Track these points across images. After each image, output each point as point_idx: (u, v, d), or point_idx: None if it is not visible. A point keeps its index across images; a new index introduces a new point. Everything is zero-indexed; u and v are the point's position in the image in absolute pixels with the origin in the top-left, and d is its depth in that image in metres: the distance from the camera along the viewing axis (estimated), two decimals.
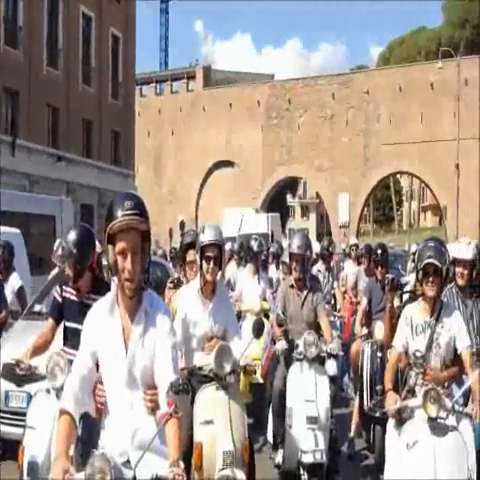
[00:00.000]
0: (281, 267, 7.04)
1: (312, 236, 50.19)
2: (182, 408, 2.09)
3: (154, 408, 2.27)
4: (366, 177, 38.50)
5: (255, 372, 3.62)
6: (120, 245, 2.23)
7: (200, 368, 3.33)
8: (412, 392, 3.42)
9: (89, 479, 1.92)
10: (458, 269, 4.45)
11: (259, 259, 7.05)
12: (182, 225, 31.28)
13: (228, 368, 3.21)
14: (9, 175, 19.01)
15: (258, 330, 3.56)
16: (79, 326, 3.19)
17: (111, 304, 2.34)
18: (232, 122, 41.74)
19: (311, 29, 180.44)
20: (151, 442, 2.05)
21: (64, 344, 3.44)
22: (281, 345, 4.36)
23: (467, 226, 34.15)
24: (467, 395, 3.60)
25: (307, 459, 3.88)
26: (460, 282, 4.45)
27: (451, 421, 3.13)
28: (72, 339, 3.29)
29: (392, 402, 3.25)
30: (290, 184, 48.47)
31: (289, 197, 56.26)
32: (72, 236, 3.42)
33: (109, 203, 2.32)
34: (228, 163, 42.19)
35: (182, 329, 3.51)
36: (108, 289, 3.05)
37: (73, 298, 3.44)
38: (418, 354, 3.39)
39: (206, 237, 3.55)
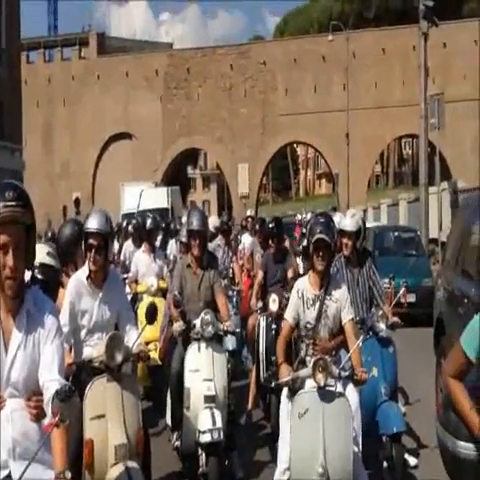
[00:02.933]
0: (178, 245, 7.01)
1: (213, 208, 50.55)
2: (70, 412, 2.00)
3: (39, 415, 2.17)
4: (264, 147, 39.17)
5: (149, 358, 3.58)
6: (1, 239, 2.08)
7: (90, 361, 3.23)
8: (303, 362, 3.60)
9: None
10: (343, 240, 4.68)
11: (154, 237, 6.95)
12: (77, 202, 30.11)
13: (120, 358, 3.13)
14: None
15: (151, 316, 3.44)
16: None
17: None
18: (129, 92, 40.47)
19: None
20: (35, 454, 1.97)
21: None
22: (178, 326, 4.35)
23: (357, 192, 36.09)
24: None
25: (205, 439, 3.92)
26: (345, 252, 4.71)
27: (338, 387, 3.33)
28: None
29: (285, 373, 3.41)
30: (191, 156, 48.12)
31: (190, 169, 55.94)
32: None
33: None
34: (126, 135, 41.00)
35: (70, 320, 3.38)
36: None
37: None
38: (309, 326, 3.60)
39: (90, 225, 3.44)
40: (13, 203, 2.08)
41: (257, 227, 8.63)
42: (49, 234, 12.26)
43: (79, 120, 41.21)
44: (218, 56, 39.70)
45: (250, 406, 5.58)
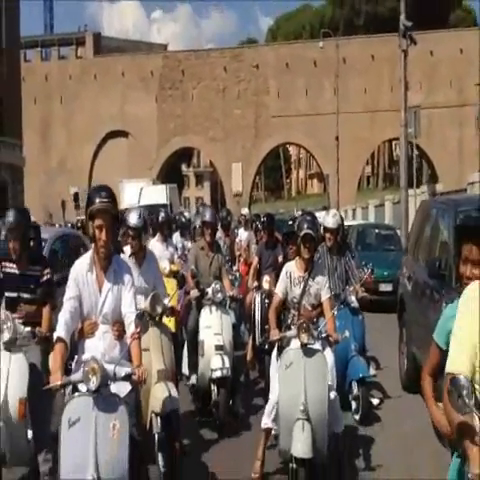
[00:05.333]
0: (192, 232, 8.24)
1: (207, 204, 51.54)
2: (144, 330, 3.18)
3: (120, 335, 3.37)
4: (257, 147, 40.37)
5: (179, 313, 4.81)
6: (97, 222, 3.25)
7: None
8: (289, 328, 4.53)
9: (85, 376, 2.97)
10: (326, 235, 6.00)
11: (165, 228, 8.14)
12: (76, 197, 31.05)
13: (160, 310, 4.37)
14: None
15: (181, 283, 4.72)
16: (16, 294, 4.12)
17: (90, 263, 3.36)
18: (125, 91, 41.47)
19: None
20: (124, 354, 3.18)
21: (6, 309, 4.24)
22: (194, 293, 5.59)
23: (347, 192, 37.41)
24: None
25: (216, 374, 5.11)
26: (328, 244, 6.01)
27: (317, 346, 4.09)
28: (11, 305, 4.16)
29: (275, 334, 4.26)
30: (185, 154, 49.21)
31: (184, 166, 56.99)
32: (16, 217, 4.17)
33: (89, 192, 3.37)
34: (122, 133, 41.99)
35: None
36: (44, 260, 4.15)
37: (14, 271, 4.19)
38: (295, 300, 4.47)
39: (130, 221, 4.76)
40: (105, 199, 3.25)
41: (252, 222, 9.89)
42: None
43: (76, 117, 42.13)
44: (212, 59, 40.82)
45: (248, 364, 6.76)
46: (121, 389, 3.19)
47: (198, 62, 40.88)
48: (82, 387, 3.06)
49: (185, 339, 6.08)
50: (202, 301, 5.54)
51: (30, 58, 44.05)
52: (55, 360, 3.18)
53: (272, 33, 60.72)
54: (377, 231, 14.01)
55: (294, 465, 3.87)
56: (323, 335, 4.23)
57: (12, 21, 27.87)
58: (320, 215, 7.79)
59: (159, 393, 4.14)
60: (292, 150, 70.02)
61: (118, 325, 3.36)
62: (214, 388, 5.17)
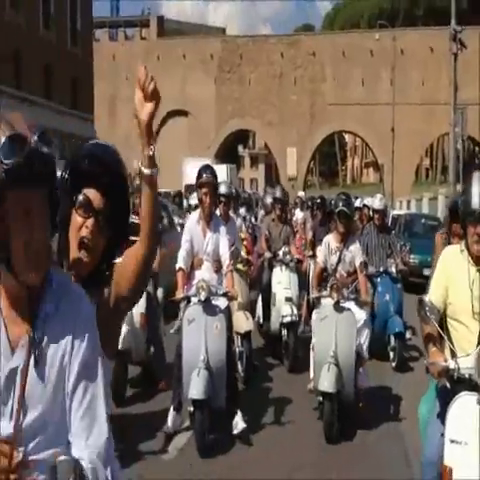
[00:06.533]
0: (263, 206, 9.59)
1: (261, 186, 52.79)
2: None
3: (218, 270, 4.77)
4: (312, 133, 41.14)
5: (252, 264, 6.22)
6: (204, 190, 4.73)
7: None
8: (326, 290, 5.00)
9: (197, 291, 4.39)
10: (375, 215, 7.37)
11: (234, 202, 9.55)
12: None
13: (238, 259, 5.80)
14: None
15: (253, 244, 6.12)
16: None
17: (198, 218, 4.83)
18: (186, 73, 42.91)
19: None
20: (221, 282, 4.61)
21: None
22: (267, 254, 6.95)
23: (402, 183, 37.80)
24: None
25: (286, 319, 6.33)
26: (376, 222, 7.34)
27: (348, 304, 4.82)
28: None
29: (316, 293, 5.14)
30: (241, 136, 50.47)
31: (240, 148, 58.23)
32: None
33: (199, 169, 4.80)
34: (182, 112, 43.54)
35: None
36: None
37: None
38: (332, 267, 5.31)
39: (221, 190, 5.84)
40: (210, 175, 4.68)
41: (309, 204, 11.28)
42: None
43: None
44: (269, 45, 41.63)
45: (304, 320, 8.04)
46: (220, 303, 4.58)
47: (255, 47, 41.77)
48: (194, 299, 4.47)
49: (256, 296, 7.32)
50: (273, 262, 6.87)
51: (99, 38, 46.03)
52: (179, 282, 4.61)
53: (329, 20, 60.79)
54: (423, 221, 15.18)
55: (321, 398, 4.67)
56: (352, 296, 4.93)
57: (85, 5, 29.73)
58: (370, 199, 9.09)
59: (240, 318, 5.55)
60: (348, 138, 69.93)
61: (217, 262, 4.77)
62: (284, 331, 6.44)
